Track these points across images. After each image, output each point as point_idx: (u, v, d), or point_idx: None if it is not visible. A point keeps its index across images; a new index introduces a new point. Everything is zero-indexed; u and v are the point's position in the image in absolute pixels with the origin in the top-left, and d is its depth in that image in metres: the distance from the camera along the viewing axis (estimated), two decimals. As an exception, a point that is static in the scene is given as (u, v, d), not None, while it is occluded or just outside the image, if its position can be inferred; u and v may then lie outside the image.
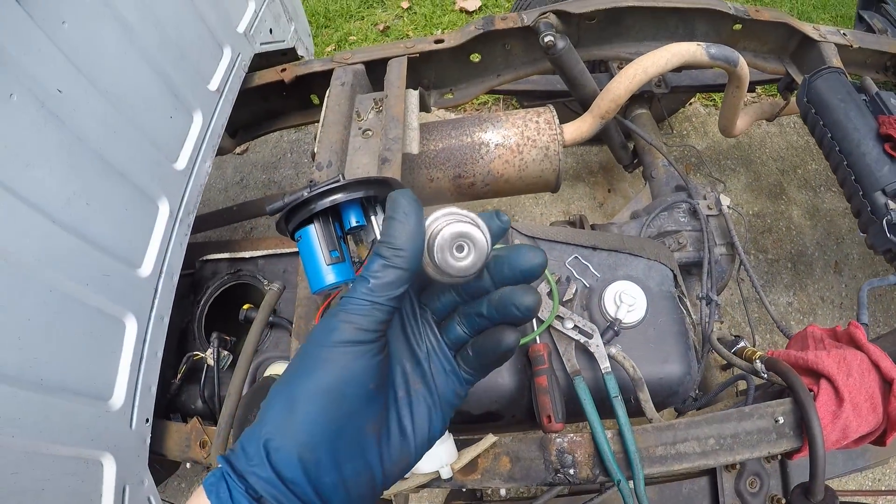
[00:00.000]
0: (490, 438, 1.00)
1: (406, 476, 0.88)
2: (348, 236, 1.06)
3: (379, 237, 0.93)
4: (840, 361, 1.09)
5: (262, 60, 1.81)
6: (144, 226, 1.28)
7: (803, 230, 2.45)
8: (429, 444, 0.48)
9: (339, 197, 0.95)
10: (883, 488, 2.11)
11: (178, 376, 1.29)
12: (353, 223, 0.98)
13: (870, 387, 1.07)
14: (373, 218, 1.00)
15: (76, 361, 1.03)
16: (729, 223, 1.68)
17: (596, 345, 1.10)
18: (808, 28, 1.84)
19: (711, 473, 1.28)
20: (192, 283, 1.45)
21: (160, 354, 1.24)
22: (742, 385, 1.36)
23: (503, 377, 1.08)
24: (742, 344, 1.42)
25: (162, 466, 1.30)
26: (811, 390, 1.09)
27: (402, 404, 0.47)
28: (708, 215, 1.71)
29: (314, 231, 0.97)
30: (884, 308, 2.30)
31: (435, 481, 0.96)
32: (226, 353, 1.28)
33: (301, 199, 0.96)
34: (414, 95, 1.45)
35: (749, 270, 1.58)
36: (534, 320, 1.13)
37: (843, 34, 1.89)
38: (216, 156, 1.85)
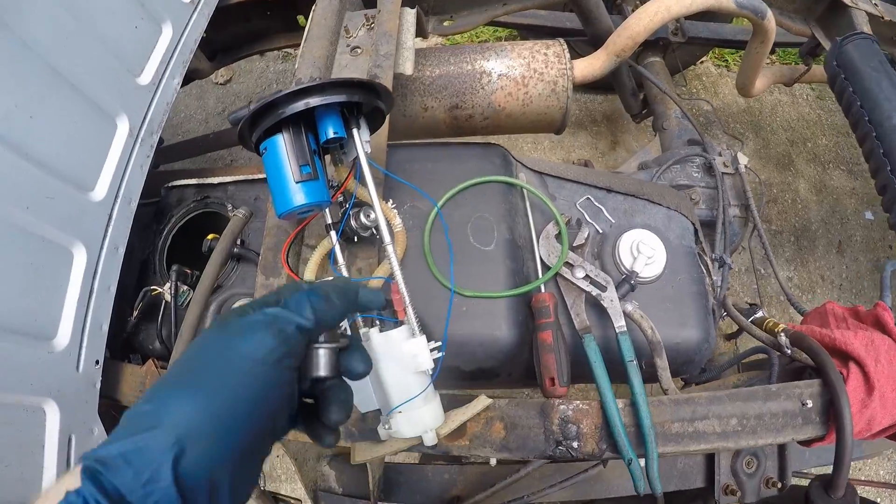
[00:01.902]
0: (483, 401, 0.84)
1: (383, 439, 0.72)
2: (324, 155, 0.86)
3: (363, 155, 0.71)
4: (868, 344, 0.96)
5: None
6: (99, 145, 1.09)
7: (809, 205, 2.29)
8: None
9: (313, 100, 0.75)
10: (863, 478, 2.01)
11: (135, 313, 1.10)
12: (331, 134, 0.78)
13: None
14: (355, 131, 0.80)
15: (12, 295, 0.86)
16: (745, 183, 1.52)
17: (610, 299, 0.93)
18: None
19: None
20: (157, 211, 1.26)
21: (113, 289, 1.06)
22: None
23: (501, 329, 0.91)
24: (760, 314, 1.26)
25: (118, 413, 1.12)
26: (840, 372, 0.96)
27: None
28: (723, 173, 1.53)
29: (282, 141, 0.77)
30: None
31: (417, 447, 0.78)
32: (185, 287, 1.09)
33: (267, 102, 0.75)
34: (410, 13, 1.23)
35: (763, 236, 1.45)
36: (538, 264, 0.94)
37: (875, 4, 1.73)
38: (193, 80, 1.64)
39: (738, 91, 1.84)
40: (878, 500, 1.94)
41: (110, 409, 1.11)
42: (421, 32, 1.48)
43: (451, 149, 0.99)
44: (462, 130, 1.42)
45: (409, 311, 0.75)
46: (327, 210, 0.83)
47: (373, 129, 0.85)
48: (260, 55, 1.68)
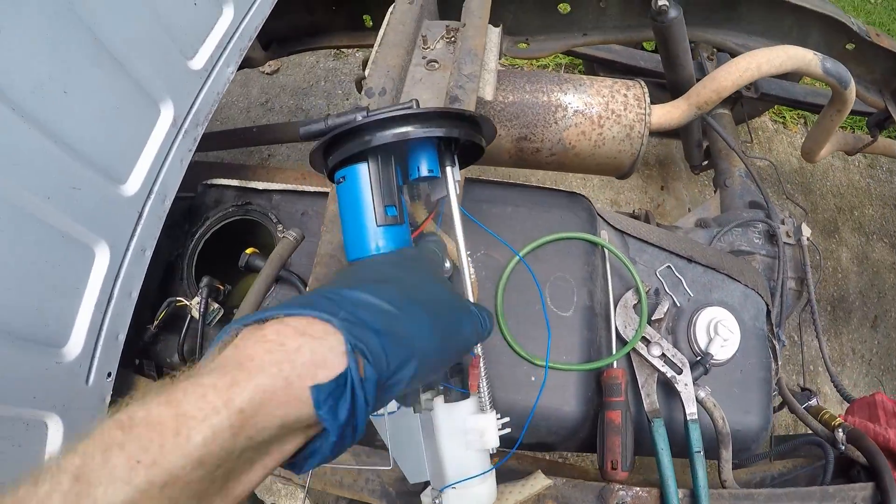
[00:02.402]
0: (542, 481, 0.75)
1: None
2: (404, 188, 0.76)
3: (454, 198, 0.68)
4: None
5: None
6: (138, 132, 0.97)
7: (849, 275, 2.20)
8: None
9: (411, 130, 0.64)
10: None
11: (156, 323, 0.99)
12: (425, 172, 0.67)
13: None
14: (448, 170, 0.70)
15: (22, 295, 0.75)
16: (805, 257, 1.43)
17: (685, 383, 0.84)
18: None
19: None
20: (190, 208, 1.14)
21: (135, 295, 0.96)
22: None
23: (570, 404, 0.84)
24: (815, 401, 1.20)
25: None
26: None
27: None
28: (785, 243, 1.44)
29: (366, 174, 0.66)
30: None
31: None
32: (216, 305, 0.98)
33: (354, 125, 0.64)
34: (495, 32, 1.13)
35: (816, 316, 1.37)
36: (613, 335, 0.84)
37: None
38: (242, 68, 1.53)
39: (802, 156, 1.76)
40: None
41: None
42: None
43: (533, 193, 0.89)
44: (525, 163, 1.32)
45: (484, 384, 0.65)
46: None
47: (464, 165, 0.76)
48: (316, 49, 1.57)
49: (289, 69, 2.32)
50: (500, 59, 1.41)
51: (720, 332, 0.92)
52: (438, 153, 0.69)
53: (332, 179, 0.69)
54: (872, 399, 1.14)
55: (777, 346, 1.29)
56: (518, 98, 1.23)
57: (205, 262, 1.10)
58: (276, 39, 1.51)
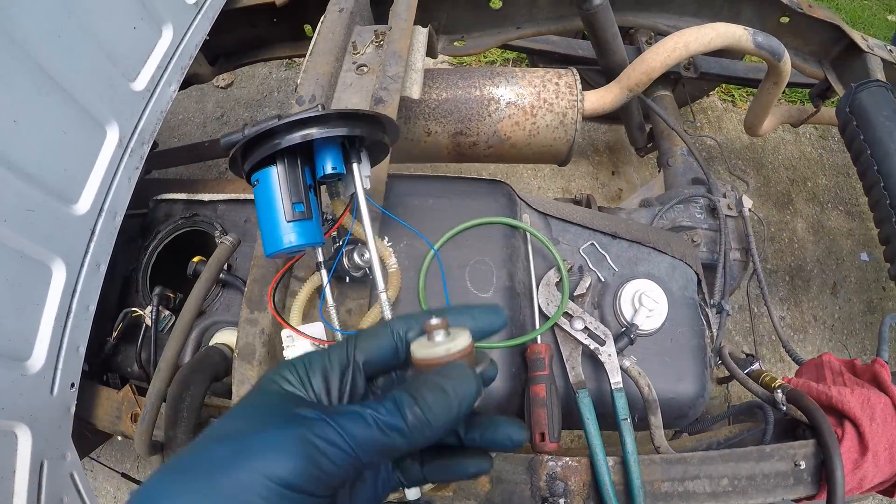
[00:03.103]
0: None
1: None
2: (320, 187, 0.80)
3: (362, 193, 0.72)
4: (864, 403, 0.97)
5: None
6: (86, 154, 1.03)
7: (805, 245, 2.26)
8: None
9: (313, 132, 0.69)
10: None
11: (114, 335, 1.03)
12: (329, 170, 0.73)
13: (890, 436, 0.95)
14: (355, 166, 0.74)
15: None
16: (748, 228, 1.48)
17: (608, 354, 0.90)
18: (856, 36, 1.66)
19: None
20: (143, 224, 1.19)
21: (93, 308, 1.01)
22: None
23: (494, 382, 0.83)
24: (757, 366, 1.24)
25: (92, 433, 1.06)
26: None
27: None
28: (727, 215, 1.48)
29: (276, 175, 0.71)
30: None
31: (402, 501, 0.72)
32: (167, 312, 1.02)
33: (263, 130, 0.69)
34: (422, 33, 1.18)
35: (763, 284, 1.42)
36: (536, 313, 0.89)
37: (891, 51, 1.72)
38: (191, 84, 1.57)
39: (745, 130, 1.81)
40: None
41: (84, 430, 1.04)
42: (431, 52, 1.43)
43: (454, 184, 0.94)
44: (464, 157, 1.37)
45: None
46: (318, 251, 0.77)
47: (374, 162, 0.80)
48: (264, 62, 1.61)
49: (242, 82, 2.37)
50: (437, 58, 1.46)
51: (645, 302, 0.95)
52: (344, 152, 0.74)
53: (249, 182, 0.74)
54: (819, 360, 1.16)
55: (720, 316, 1.33)
56: (451, 94, 1.28)
57: (159, 273, 1.14)
58: (222, 54, 1.56)
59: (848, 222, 2.32)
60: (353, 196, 0.75)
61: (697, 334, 1.04)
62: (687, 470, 0.88)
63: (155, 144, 1.61)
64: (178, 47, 1.24)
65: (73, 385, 0.96)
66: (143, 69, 1.16)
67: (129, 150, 1.11)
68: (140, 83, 1.14)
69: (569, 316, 0.90)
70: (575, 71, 1.36)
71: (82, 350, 0.97)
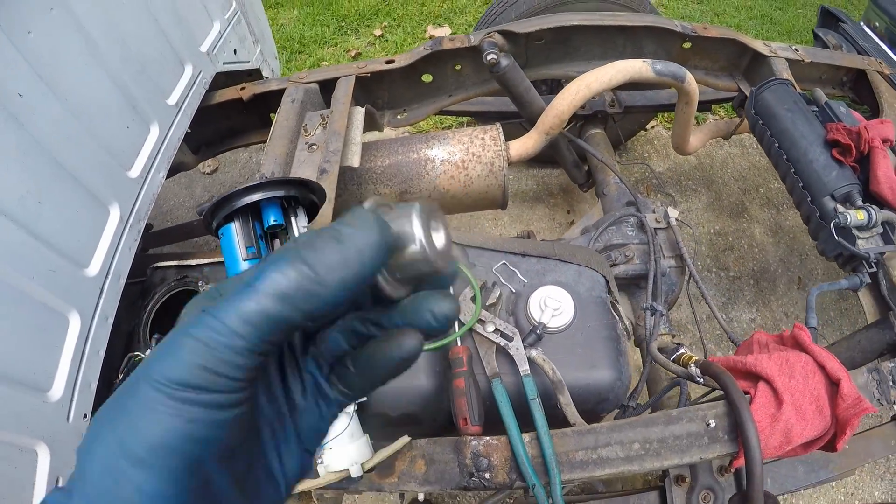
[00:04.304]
0: (404, 439, 1.02)
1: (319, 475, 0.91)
2: (275, 240, 1.11)
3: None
4: (782, 364, 1.06)
5: (228, 80, 1.89)
6: (94, 228, 1.34)
7: (766, 247, 2.48)
8: (299, 478, 0.39)
9: (256, 196, 1.01)
10: (857, 502, 2.08)
11: (120, 376, 1.31)
12: (272, 221, 1.03)
13: (815, 389, 1.03)
14: (293, 219, 1.05)
15: (17, 351, 1.07)
16: (677, 235, 1.71)
17: (516, 347, 1.14)
18: (758, 44, 1.88)
19: (661, 488, 1.27)
20: (143, 289, 1.50)
21: (102, 353, 1.29)
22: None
23: (420, 379, 1.10)
24: (682, 351, 1.42)
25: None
26: (747, 393, 1.06)
27: (268, 448, 0.37)
28: (656, 228, 1.75)
29: (234, 228, 1.02)
30: (851, 320, 2.30)
31: (345, 480, 0.96)
32: (164, 354, 1.31)
33: (222, 197, 1.01)
34: (359, 112, 1.52)
35: (697, 279, 1.60)
36: (456, 325, 1.16)
37: (795, 49, 1.94)
38: (178, 172, 1.93)
39: (675, 150, 2.08)
40: None
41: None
42: (376, 127, 1.78)
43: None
44: (413, 211, 1.67)
45: None
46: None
47: (313, 216, 1.11)
48: (244, 147, 1.98)
49: (226, 167, 2.77)
50: (382, 130, 1.81)
51: (549, 304, 1.18)
52: (284, 209, 1.05)
53: (217, 236, 1.05)
54: (751, 339, 1.27)
55: (647, 314, 1.56)
56: (394, 160, 1.61)
57: (158, 327, 1.43)
58: (203, 143, 1.92)
59: (806, 218, 2.54)
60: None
61: (608, 326, 1.23)
62: (598, 439, 1.04)
63: (150, 226, 1.96)
64: (164, 141, 1.59)
65: (85, 415, 1.22)
66: (137, 160, 1.49)
67: (128, 225, 1.43)
68: (135, 171, 1.48)
69: (482, 322, 1.16)
70: (499, 126, 1.69)
71: (94, 386, 1.24)
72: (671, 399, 1.61)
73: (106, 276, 1.33)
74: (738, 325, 2.28)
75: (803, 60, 1.92)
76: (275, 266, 0.30)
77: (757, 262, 2.45)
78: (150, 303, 1.45)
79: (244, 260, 1.00)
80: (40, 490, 1.07)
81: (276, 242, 1.11)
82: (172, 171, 1.89)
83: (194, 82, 1.74)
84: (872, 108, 1.98)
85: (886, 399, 1.11)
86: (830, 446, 1.06)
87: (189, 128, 1.84)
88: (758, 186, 2.66)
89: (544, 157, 1.92)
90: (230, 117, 1.86)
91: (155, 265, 1.52)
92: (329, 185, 1.29)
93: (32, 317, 1.11)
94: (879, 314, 1.38)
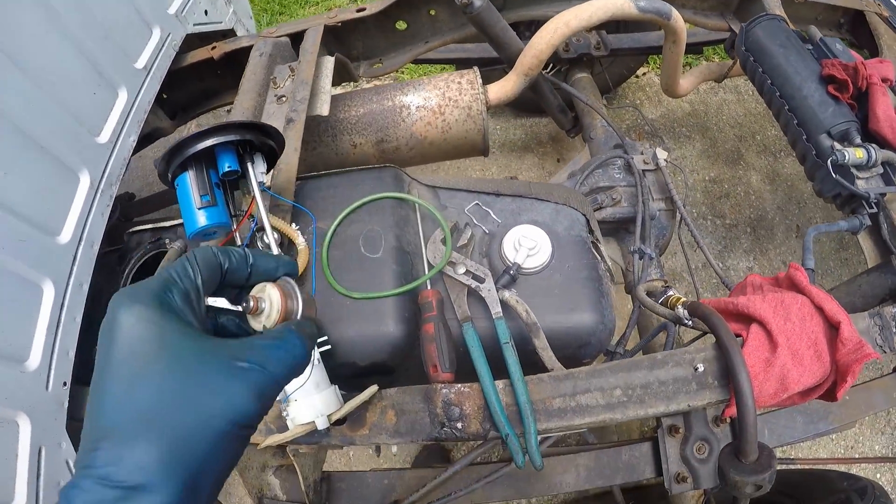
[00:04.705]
0: (372, 389, 0.94)
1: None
2: (235, 190, 1.05)
3: (255, 185, 0.92)
4: (777, 305, 0.97)
5: (202, 42, 1.81)
6: (64, 196, 1.30)
7: (763, 195, 2.39)
8: None
9: (206, 142, 0.95)
10: (857, 456, 2.02)
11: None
12: (226, 168, 0.97)
13: (813, 332, 0.94)
14: (249, 166, 0.99)
15: None
16: (666, 176, 1.63)
17: (488, 289, 1.06)
18: None
19: (654, 439, 1.21)
20: (120, 255, 1.45)
21: (79, 320, 1.26)
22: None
23: (388, 325, 1.02)
24: (670, 293, 1.33)
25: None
26: (739, 335, 0.97)
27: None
28: (644, 170, 1.67)
29: (187, 178, 0.96)
30: (851, 270, 2.21)
31: (315, 434, 0.90)
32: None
33: (173, 146, 0.95)
34: (328, 61, 1.44)
35: (688, 221, 1.53)
36: (425, 266, 1.09)
37: None
38: (157, 138, 1.87)
39: (664, 93, 1.98)
40: (878, 475, 1.93)
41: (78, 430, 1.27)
42: (351, 78, 1.70)
43: (350, 175, 1.17)
44: (393, 162, 1.60)
45: (299, 304, 0.89)
46: (237, 235, 1.01)
47: (273, 163, 1.04)
48: (226, 110, 1.92)
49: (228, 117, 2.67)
50: (357, 81, 1.72)
51: (524, 243, 1.09)
52: (240, 155, 0.99)
53: (173, 188, 0.99)
54: (744, 282, 1.18)
55: (635, 258, 1.49)
56: (368, 109, 1.53)
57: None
58: (180, 108, 1.86)
59: (804, 166, 2.43)
60: (261, 185, 0.99)
61: (588, 267, 1.15)
62: (577, 385, 0.95)
63: (132, 196, 1.91)
64: (133, 105, 1.53)
65: (65, 383, 1.19)
66: (105, 125, 1.44)
67: (99, 190, 1.39)
68: (104, 137, 1.43)
69: (452, 264, 1.08)
70: (476, 69, 1.60)
71: (72, 354, 1.21)
72: (661, 345, 1.55)
73: (79, 243, 1.29)
74: (735, 273, 2.21)
75: (797, -1, 1.82)
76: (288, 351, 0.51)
77: (754, 209, 2.36)
78: (126, 267, 1.41)
79: (198, 208, 0.94)
80: (23, 460, 1.04)
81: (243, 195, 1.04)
82: (150, 138, 1.84)
83: (163, 45, 1.67)
84: (871, 52, 1.87)
85: (889, 346, 1.01)
86: (830, 395, 0.97)
87: (164, 93, 1.79)
88: (754, 133, 2.55)
89: (531, 106, 1.83)
90: (204, 79, 1.79)
91: (131, 230, 1.48)
92: (296, 135, 1.22)
93: (4, 287, 1.08)
94: (880, 258, 1.29)
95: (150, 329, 0.43)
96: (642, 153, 1.70)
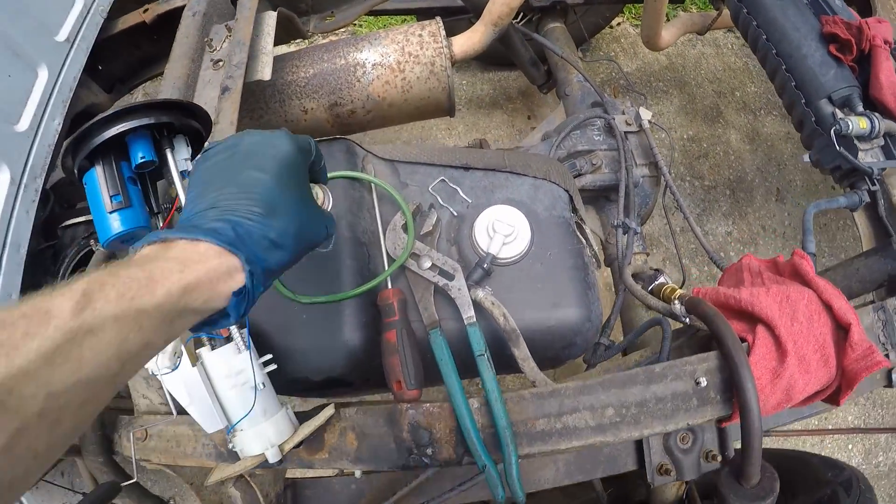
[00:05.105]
0: (327, 412, 0.79)
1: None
2: (159, 179, 0.87)
3: (177, 176, 0.80)
4: (782, 301, 0.85)
5: (136, 4, 1.57)
6: (-18, 195, 1.12)
7: (742, 155, 2.26)
8: None
9: (111, 130, 0.77)
10: (829, 427, 1.98)
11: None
12: (140, 159, 0.79)
13: (820, 334, 0.83)
14: (169, 153, 0.81)
15: None
16: (650, 140, 1.47)
17: (458, 288, 0.88)
18: None
19: None
20: (54, 253, 1.27)
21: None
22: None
23: (343, 334, 0.85)
24: (661, 280, 1.20)
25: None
26: (744, 340, 0.85)
27: None
28: (626, 132, 1.50)
29: (94, 175, 0.79)
30: (829, 237, 2.11)
31: (265, 464, 0.76)
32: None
33: (76, 135, 0.77)
34: (269, 16, 1.25)
35: (675, 191, 1.38)
36: (385, 259, 0.93)
37: None
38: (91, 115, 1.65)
39: (645, 45, 1.82)
40: (850, 446, 1.90)
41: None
42: (300, 34, 1.49)
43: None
44: (350, 127, 1.43)
45: (233, 327, 0.74)
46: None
47: (199, 145, 0.87)
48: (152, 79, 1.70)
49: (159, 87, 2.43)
50: (307, 38, 1.51)
51: (499, 229, 0.93)
52: (156, 141, 0.81)
53: (82, 185, 0.81)
54: (739, 264, 1.06)
55: (619, 233, 1.34)
56: (318, 69, 1.34)
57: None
58: (117, 79, 1.63)
59: (785, 125, 2.29)
60: (184, 174, 0.82)
61: (573, 254, 1.00)
62: (563, 404, 0.80)
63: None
64: (56, 83, 1.32)
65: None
66: (25, 110, 1.25)
67: (22, 185, 1.20)
68: (23, 124, 1.23)
69: (416, 256, 0.90)
70: (439, 20, 1.40)
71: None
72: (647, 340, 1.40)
73: (3, 248, 1.11)
74: (714, 238, 2.09)
75: (789, -53, 1.62)
76: None
77: (733, 170, 2.23)
78: (61, 267, 1.24)
79: (110, 212, 0.77)
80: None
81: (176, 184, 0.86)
82: (85, 116, 1.62)
83: (88, 12, 1.44)
84: (861, 9, 1.70)
85: (892, 342, 0.92)
86: (832, 400, 0.87)
87: (98, 64, 1.56)
88: (733, 89, 2.39)
89: (500, 58, 1.64)
90: (139, 45, 1.57)
91: (63, 224, 1.29)
92: (232, 105, 1.04)
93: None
94: (876, 239, 1.19)
95: (299, 162, 0.65)
96: (624, 113, 1.54)
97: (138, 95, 2.29)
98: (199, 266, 0.49)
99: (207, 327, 0.55)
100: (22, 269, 1.15)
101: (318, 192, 0.77)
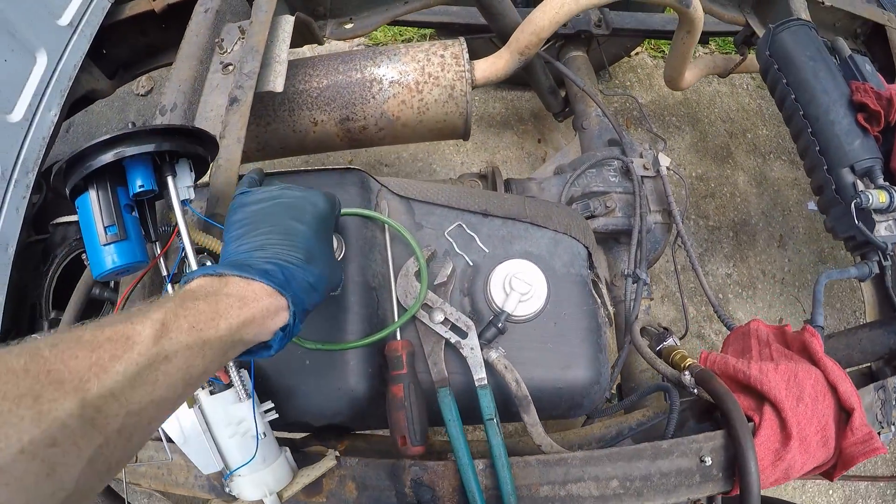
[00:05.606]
0: (328, 461, 0.76)
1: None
2: (159, 200, 0.79)
3: (178, 207, 0.73)
4: (790, 380, 0.86)
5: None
6: (-34, 190, 1.02)
7: (748, 198, 2.20)
8: None
9: (111, 155, 0.68)
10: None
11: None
12: (139, 188, 0.71)
13: (823, 415, 0.84)
14: (170, 180, 0.73)
15: None
16: (667, 187, 1.40)
17: (470, 347, 0.83)
18: None
19: None
20: (44, 249, 1.18)
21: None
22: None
23: (348, 382, 0.80)
24: (670, 342, 1.16)
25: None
26: (750, 419, 0.85)
27: None
28: (643, 176, 1.43)
29: (87, 202, 0.70)
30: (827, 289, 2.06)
31: None
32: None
33: (72, 156, 0.68)
34: (287, 22, 1.15)
35: (688, 246, 1.32)
36: (395, 308, 0.86)
37: None
38: (93, 100, 1.54)
39: (666, 84, 1.75)
40: (830, 492, 1.86)
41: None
42: (315, 39, 1.39)
43: (305, 177, 0.90)
44: (358, 143, 1.34)
45: (233, 373, 0.69)
46: (161, 263, 0.77)
47: (203, 169, 0.78)
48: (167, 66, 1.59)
49: (163, 87, 2.31)
50: (323, 44, 1.41)
51: (516, 286, 0.87)
52: (157, 167, 0.72)
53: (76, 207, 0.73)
54: (747, 328, 1.05)
55: (628, 282, 1.27)
56: (332, 80, 1.25)
57: (66, 295, 1.12)
58: (120, 65, 1.52)
59: (792, 171, 2.25)
60: (184, 205, 0.74)
61: (588, 315, 0.94)
62: (569, 472, 0.80)
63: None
64: (55, 70, 1.22)
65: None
66: (20, 99, 1.15)
67: (12, 181, 1.10)
68: (17, 114, 1.13)
69: (428, 308, 0.84)
70: (462, 41, 1.31)
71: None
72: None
73: (-9, 243, 1.02)
74: (714, 279, 2.04)
75: (823, 2, 1.59)
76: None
77: (738, 212, 2.17)
78: (49, 269, 1.14)
79: (103, 245, 0.68)
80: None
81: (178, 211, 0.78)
82: (85, 101, 1.51)
83: (94, -5, 1.32)
84: (883, 69, 1.68)
85: (888, 421, 0.95)
86: (828, 475, 0.90)
87: (103, 49, 1.45)
88: (745, 131, 2.32)
89: (515, 78, 1.55)
90: (147, 33, 1.46)
91: (55, 221, 1.19)
92: (240, 119, 0.95)
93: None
94: (881, 312, 1.19)
95: (330, 218, 0.71)
96: (642, 156, 1.46)
97: (142, 81, 2.17)
98: (254, 304, 0.53)
99: (247, 356, 0.58)
100: (9, 269, 1.06)
101: (334, 241, 0.79)
